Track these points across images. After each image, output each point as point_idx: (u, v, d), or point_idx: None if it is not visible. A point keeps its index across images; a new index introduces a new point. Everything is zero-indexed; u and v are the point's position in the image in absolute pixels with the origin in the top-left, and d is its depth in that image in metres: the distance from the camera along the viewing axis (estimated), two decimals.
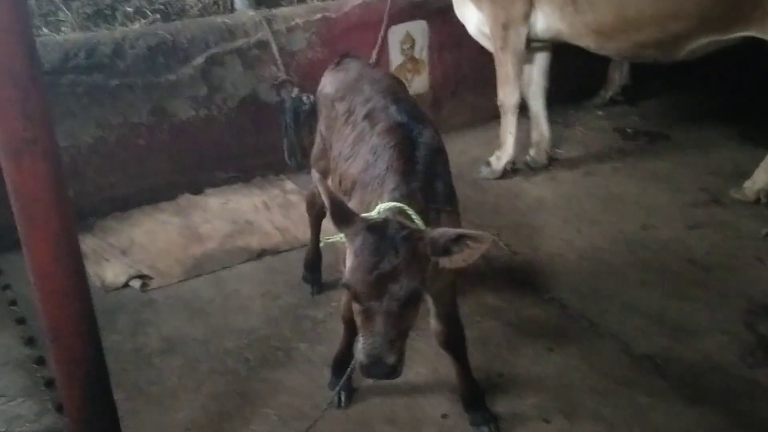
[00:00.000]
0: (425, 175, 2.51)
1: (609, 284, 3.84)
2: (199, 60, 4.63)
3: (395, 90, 3.06)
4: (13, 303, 3.75)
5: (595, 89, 6.44)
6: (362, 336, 2.18)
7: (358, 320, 2.20)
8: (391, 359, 2.16)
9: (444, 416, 2.97)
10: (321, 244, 3.57)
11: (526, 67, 5.11)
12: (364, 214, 2.28)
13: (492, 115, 5.45)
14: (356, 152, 2.79)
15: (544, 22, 4.72)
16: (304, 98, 4.89)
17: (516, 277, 3.91)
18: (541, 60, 5.19)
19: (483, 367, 3.20)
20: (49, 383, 3.16)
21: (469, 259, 2.19)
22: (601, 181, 5.02)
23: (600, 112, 6.29)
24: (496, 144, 5.13)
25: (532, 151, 5.26)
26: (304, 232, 4.27)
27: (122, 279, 3.86)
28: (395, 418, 2.97)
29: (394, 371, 2.20)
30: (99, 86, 4.32)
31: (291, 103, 4.91)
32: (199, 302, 3.76)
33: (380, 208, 2.34)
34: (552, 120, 5.40)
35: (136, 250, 4.15)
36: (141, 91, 4.48)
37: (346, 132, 2.95)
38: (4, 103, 1.82)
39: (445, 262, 2.20)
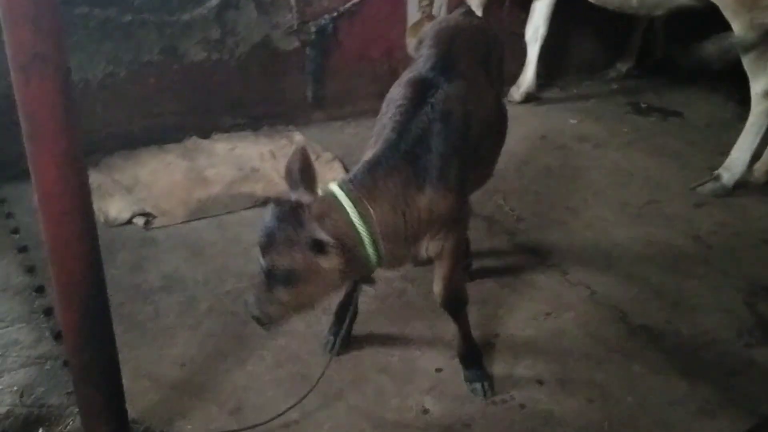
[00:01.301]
0: (413, 149, 2.45)
1: (611, 255, 3.83)
2: (214, 1, 4.56)
3: (465, 42, 2.91)
4: (15, 231, 3.76)
5: (611, 61, 6.37)
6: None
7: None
8: (255, 311, 2.45)
9: (438, 370, 2.98)
10: None
11: (532, 11, 5.47)
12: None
13: (507, 77, 5.42)
14: (386, 99, 2.76)
15: None
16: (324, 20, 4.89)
17: (518, 241, 3.90)
18: (544, 6, 5.44)
19: (479, 327, 3.21)
20: (48, 311, 3.17)
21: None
22: (611, 154, 4.99)
23: (615, 85, 6.23)
24: None
25: (513, 87, 5.64)
26: None
27: (126, 215, 3.86)
28: (389, 369, 2.98)
29: (259, 322, 2.49)
30: (112, 20, 4.26)
31: (312, 46, 4.89)
32: (201, 244, 3.75)
33: (326, 188, 2.41)
34: (567, 90, 5.37)
35: (141, 189, 4.14)
36: (154, 28, 4.42)
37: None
38: (16, 18, 1.79)
39: (323, 261, 2.26)
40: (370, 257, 2.39)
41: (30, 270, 3.45)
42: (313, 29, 4.90)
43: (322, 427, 2.69)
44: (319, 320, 3.20)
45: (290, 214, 2.25)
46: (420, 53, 2.90)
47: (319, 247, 2.22)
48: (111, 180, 4.16)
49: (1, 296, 3.31)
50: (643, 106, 5.83)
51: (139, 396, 2.73)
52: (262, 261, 2.33)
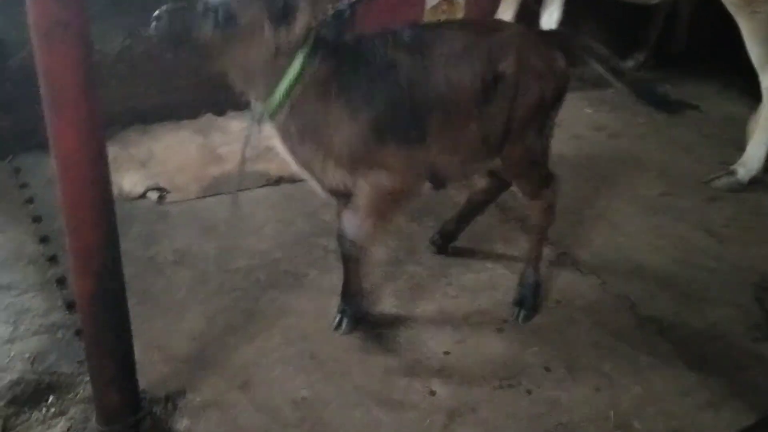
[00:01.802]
0: (348, 75, 2.67)
1: (622, 245, 3.82)
2: None
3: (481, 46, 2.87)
4: (30, 201, 3.78)
5: (628, 51, 6.32)
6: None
7: None
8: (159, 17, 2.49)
9: (446, 353, 2.99)
10: None
11: None
12: None
13: None
14: None
15: None
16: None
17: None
18: None
19: (488, 312, 3.22)
20: (60, 281, 3.20)
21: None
22: (625, 145, 4.97)
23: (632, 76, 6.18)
24: None
25: None
26: None
27: (139, 189, 3.88)
28: (397, 349, 3.00)
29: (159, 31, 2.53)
30: None
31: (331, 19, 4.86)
32: (213, 220, 3.77)
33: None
34: (584, 79, 5.34)
35: (155, 164, 4.15)
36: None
37: None
38: None
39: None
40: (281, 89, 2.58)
41: (43, 240, 3.48)
42: (330, 11, 4.87)
43: (329, 405, 2.71)
44: (329, 300, 3.22)
45: None
46: None
47: (284, 11, 2.42)
48: (126, 154, 4.17)
49: (15, 265, 3.34)
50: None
51: (149, 367, 2.75)
52: None
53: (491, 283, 3.40)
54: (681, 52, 6.39)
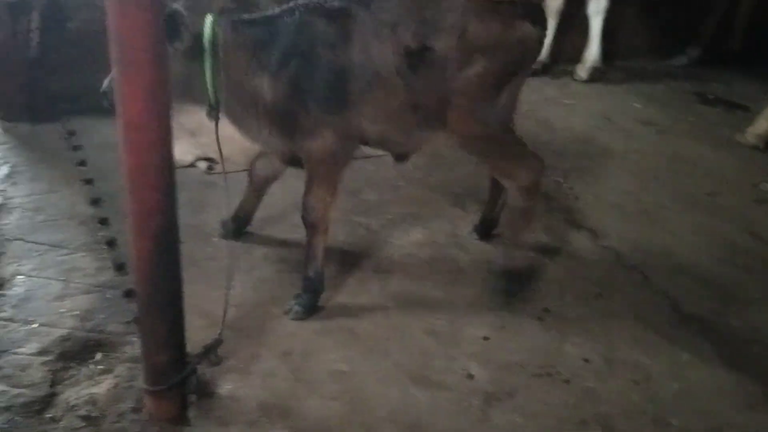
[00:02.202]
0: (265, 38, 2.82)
1: (666, 242, 3.79)
2: None
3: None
4: (82, 164, 3.86)
5: (680, 46, 6.23)
6: None
7: None
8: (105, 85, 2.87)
9: (485, 338, 3.01)
10: None
11: None
12: None
13: (575, 58, 5.43)
14: None
15: None
16: None
17: (575, 220, 3.88)
18: None
19: (530, 300, 3.23)
20: (110, 243, 3.28)
21: None
22: (674, 141, 4.91)
23: (682, 72, 6.10)
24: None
25: (578, 65, 5.55)
26: None
27: (189, 158, 3.93)
28: (436, 332, 3.01)
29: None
30: None
31: None
32: None
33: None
34: (634, 73, 5.30)
35: (204, 134, 4.19)
36: None
37: None
38: None
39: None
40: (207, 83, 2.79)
41: (95, 202, 3.56)
42: None
43: (367, 379, 2.74)
44: (369, 277, 3.26)
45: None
46: None
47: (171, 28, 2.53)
48: (177, 123, 4.20)
49: (66, 224, 3.42)
50: (710, 97, 5.70)
51: (192, 332, 2.77)
52: None
53: (534, 271, 3.40)
54: (736, 51, 6.26)
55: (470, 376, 2.81)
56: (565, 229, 3.79)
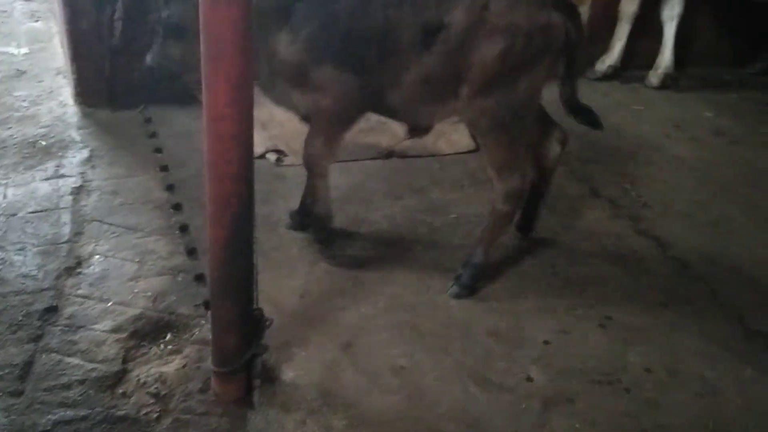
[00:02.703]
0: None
1: (735, 255, 3.70)
2: None
3: None
4: (158, 151, 4.00)
5: (755, 54, 6.05)
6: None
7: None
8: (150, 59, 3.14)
9: (546, 342, 3.00)
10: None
11: None
12: None
13: (646, 64, 5.35)
14: None
15: None
16: None
17: (642, 228, 3.82)
18: None
19: (593, 306, 3.20)
20: (183, 228, 3.39)
21: None
22: (746, 152, 4.78)
23: (757, 81, 5.93)
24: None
25: (650, 71, 5.48)
26: (433, 142, 4.33)
27: (260, 150, 4.02)
28: (498, 333, 3.02)
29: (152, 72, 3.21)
30: None
31: None
32: None
33: None
34: (706, 81, 5.19)
35: (275, 126, 4.29)
36: None
37: None
38: None
39: None
40: None
41: (169, 188, 3.68)
42: None
43: (427, 376, 2.77)
44: (432, 275, 3.28)
45: None
46: None
47: None
48: None
49: (141, 208, 3.54)
50: None
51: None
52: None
53: (598, 277, 3.37)
54: None
55: (530, 379, 2.81)
56: (631, 237, 3.73)
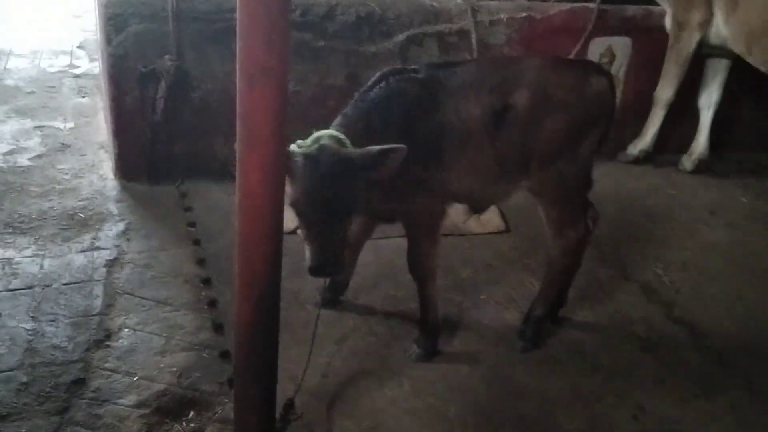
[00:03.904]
0: (368, 112, 2.85)
1: None
2: (401, 37, 4.77)
3: (507, 66, 3.16)
4: (192, 225, 4.06)
5: None
6: (308, 247, 2.69)
7: (304, 234, 2.70)
8: (330, 261, 2.66)
9: None
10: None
11: (706, 76, 5.42)
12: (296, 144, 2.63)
13: (680, 148, 5.37)
14: None
15: (715, 27, 5.00)
16: None
17: (675, 315, 3.74)
18: (720, 71, 5.37)
19: (624, 395, 3.11)
20: (212, 303, 3.40)
21: (394, 166, 2.61)
22: None
23: None
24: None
25: (684, 156, 5.50)
26: (464, 222, 4.32)
27: (291, 225, 4.03)
28: (526, 420, 2.94)
29: (335, 270, 2.76)
30: (306, 44, 4.56)
31: None
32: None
33: (315, 136, 2.67)
34: (742, 166, 5.16)
35: None
36: (341, 55, 4.69)
37: None
38: (252, 30, 1.97)
39: (373, 174, 2.60)
40: None
41: (200, 262, 3.72)
42: None
43: None
44: (459, 358, 3.24)
45: (331, 159, 2.56)
46: None
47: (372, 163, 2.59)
48: None
49: (172, 282, 3.58)
50: None
51: (282, 397, 2.84)
52: (328, 210, 2.61)
53: (629, 364, 3.31)
54: None
55: None
56: (664, 323, 3.65)
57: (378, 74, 2.99)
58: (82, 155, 4.88)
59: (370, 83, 2.98)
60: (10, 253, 3.69)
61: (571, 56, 5.07)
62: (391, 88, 2.93)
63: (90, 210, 4.16)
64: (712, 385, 3.25)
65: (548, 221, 3.23)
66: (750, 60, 4.85)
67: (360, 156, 2.59)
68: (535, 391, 3.12)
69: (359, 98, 2.94)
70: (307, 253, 2.69)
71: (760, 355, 3.49)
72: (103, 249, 3.79)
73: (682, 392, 3.18)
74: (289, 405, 2.80)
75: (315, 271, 2.69)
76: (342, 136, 2.69)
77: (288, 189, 2.46)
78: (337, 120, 2.85)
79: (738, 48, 4.89)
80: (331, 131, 2.72)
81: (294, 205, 2.59)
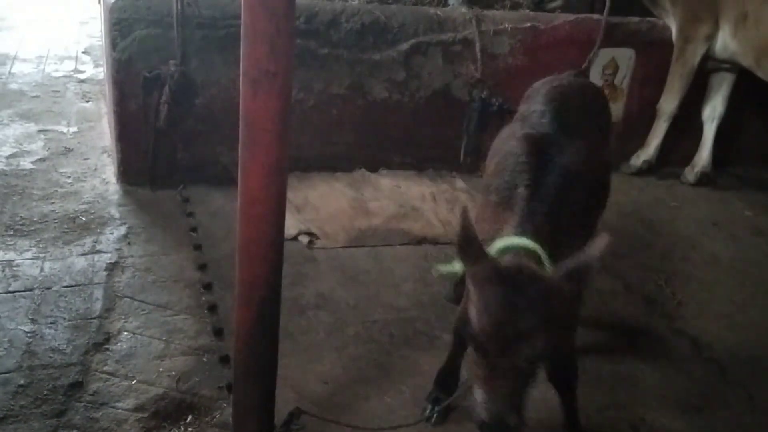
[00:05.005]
0: (552, 206, 2.33)
1: None
2: (405, 45, 4.77)
3: (575, 99, 2.96)
4: (194, 230, 4.06)
5: None
6: (483, 390, 1.99)
7: (479, 371, 2.02)
8: (513, 420, 1.96)
9: None
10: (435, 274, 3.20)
11: (710, 89, 5.42)
12: (492, 252, 2.14)
13: (683, 161, 5.36)
14: (498, 151, 2.75)
15: (721, 41, 5.01)
16: (493, 100, 4.95)
17: (677, 327, 3.72)
18: (725, 85, 5.36)
19: (626, 407, 3.09)
20: (212, 308, 3.39)
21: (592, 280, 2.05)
22: None
23: None
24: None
25: (687, 168, 5.50)
26: None
27: (292, 232, 4.06)
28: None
29: (516, 428, 1.99)
30: (310, 52, 4.56)
31: (479, 102, 4.97)
32: (356, 270, 3.88)
33: (503, 245, 2.18)
34: (747, 180, 5.15)
35: (309, 210, 4.35)
36: (346, 64, 4.69)
37: (504, 129, 2.93)
38: (256, 34, 1.97)
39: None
40: None
41: (201, 267, 3.71)
42: (483, 94, 4.97)
43: None
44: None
45: (535, 286, 1.97)
46: (530, 109, 2.87)
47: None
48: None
49: (173, 287, 3.57)
50: None
51: (281, 404, 2.81)
52: (523, 352, 1.96)
53: (631, 376, 3.29)
54: None
55: None
56: (665, 336, 3.64)
57: (533, 145, 2.55)
58: (84, 159, 4.88)
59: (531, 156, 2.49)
60: (10, 255, 3.69)
61: (583, 66, 5.06)
62: (558, 164, 2.46)
63: (91, 213, 4.16)
64: (713, 398, 3.24)
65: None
66: (759, 74, 4.84)
67: (567, 277, 2.01)
68: (536, 401, 3.09)
69: (533, 180, 2.40)
70: (479, 400, 2.01)
71: (762, 367, 3.48)
72: (104, 252, 3.78)
73: (683, 405, 3.16)
74: (296, 414, 2.73)
75: (491, 428, 1.98)
76: (537, 248, 2.18)
77: (471, 311, 2.01)
78: (517, 220, 2.30)
79: (746, 61, 4.89)
80: (523, 240, 2.20)
81: (476, 337, 2.00)
